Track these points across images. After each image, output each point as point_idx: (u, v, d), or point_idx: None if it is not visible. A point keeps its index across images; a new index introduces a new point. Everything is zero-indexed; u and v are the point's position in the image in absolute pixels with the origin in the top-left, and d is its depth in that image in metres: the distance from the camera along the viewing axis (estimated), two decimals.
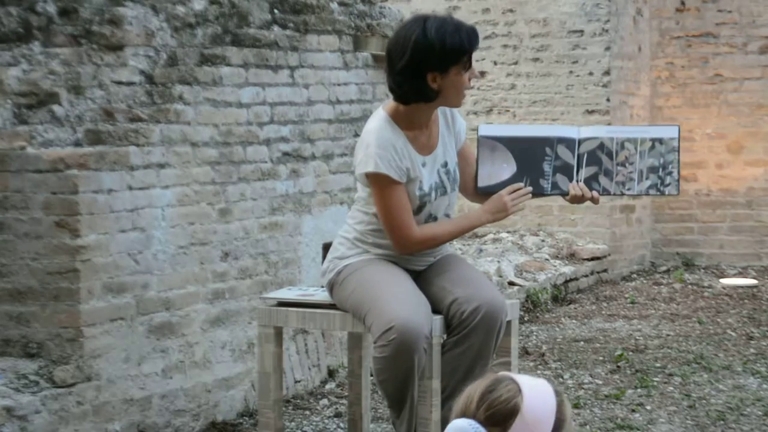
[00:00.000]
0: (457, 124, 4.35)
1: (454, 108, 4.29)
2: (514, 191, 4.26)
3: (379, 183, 4.13)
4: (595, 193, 4.29)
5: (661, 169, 4.31)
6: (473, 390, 2.28)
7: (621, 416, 5.43)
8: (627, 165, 4.30)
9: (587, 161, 4.30)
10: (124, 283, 4.68)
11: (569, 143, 4.30)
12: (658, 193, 4.34)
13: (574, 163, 4.30)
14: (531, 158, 4.28)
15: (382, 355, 4.05)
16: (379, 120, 4.18)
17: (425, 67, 4.08)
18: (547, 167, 4.29)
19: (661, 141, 4.31)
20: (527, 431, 2.24)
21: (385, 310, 4.05)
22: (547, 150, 4.30)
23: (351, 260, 4.26)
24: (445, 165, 4.27)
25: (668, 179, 4.31)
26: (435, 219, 4.25)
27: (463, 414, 2.25)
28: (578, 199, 4.30)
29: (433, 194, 4.22)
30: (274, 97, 5.50)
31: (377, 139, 4.13)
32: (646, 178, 4.30)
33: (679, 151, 4.31)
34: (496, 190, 4.28)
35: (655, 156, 4.30)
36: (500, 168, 4.27)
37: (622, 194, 4.38)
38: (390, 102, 4.23)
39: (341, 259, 4.28)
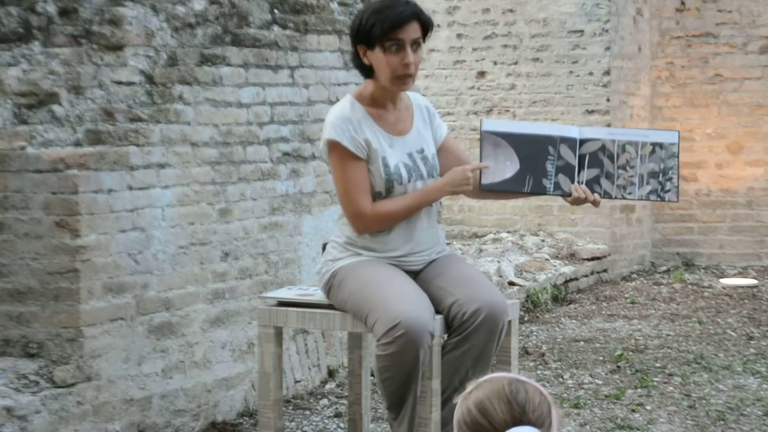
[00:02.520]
0: (436, 121, 4.40)
1: (394, 90, 4.24)
2: (477, 168, 4.25)
3: (335, 154, 4.18)
4: (596, 196, 4.28)
5: (661, 175, 4.30)
6: (486, 401, 2.24)
7: (621, 416, 5.43)
8: (628, 168, 4.29)
9: (589, 163, 4.29)
10: (124, 283, 4.68)
11: (571, 143, 4.29)
12: (658, 198, 4.32)
13: (576, 163, 4.29)
14: (534, 157, 4.26)
15: (386, 352, 4.04)
16: (343, 100, 4.30)
17: (356, 39, 4.20)
18: (549, 167, 4.27)
19: (661, 146, 4.31)
20: (557, 417, 2.25)
21: (390, 308, 4.04)
22: (550, 149, 4.28)
23: (344, 262, 4.25)
24: (422, 151, 4.29)
25: (668, 185, 4.30)
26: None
27: (491, 425, 2.22)
28: (579, 201, 4.28)
29: (404, 174, 4.22)
30: (274, 97, 5.50)
31: (337, 112, 4.22)
32: (647, 183, 4.30)
33: (678, 157, 4.31)
34: (501, 188, 4.28)
35: (656, 161, 4.30)
36: (504, 165, 4.26)
37: (623, 198, 4.36)
38: (359, 86, 4.34)
39: (334, 261, 4.28)
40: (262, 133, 5.42)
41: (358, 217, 4.18)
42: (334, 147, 4.17)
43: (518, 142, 4.27)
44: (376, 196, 4.21)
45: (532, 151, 4.26)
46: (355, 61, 4.24)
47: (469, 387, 2.28)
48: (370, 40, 4.14)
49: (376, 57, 4.15)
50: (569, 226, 9.33)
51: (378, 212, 4.19)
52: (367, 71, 4.22)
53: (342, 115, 4.19)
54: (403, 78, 4.17)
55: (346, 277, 4.22)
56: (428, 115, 4.36)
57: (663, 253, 10.02)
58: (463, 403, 2.26)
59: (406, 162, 4.23)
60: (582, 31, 9.32)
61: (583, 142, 4.29)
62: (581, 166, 4.29)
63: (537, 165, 4.26)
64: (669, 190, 4.31)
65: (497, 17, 9.54)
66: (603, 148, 4.29)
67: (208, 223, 5.11)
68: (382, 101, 4.25)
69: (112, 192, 4.62)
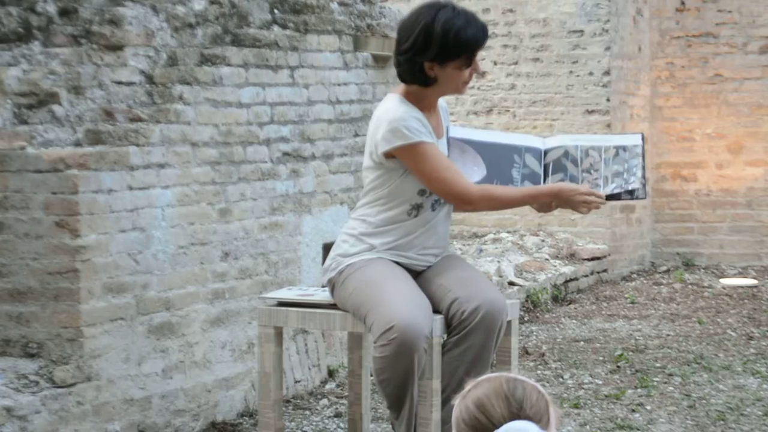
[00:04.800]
0: (448, 118, 4.45)
1: (458, 94, 4.36)
2: (590, 194, 4.22)
3: (415, 152, 4.15)
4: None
5: (625, 173, 4.31)
6: (484, 398, 2.26)
7: (621, 416, 5.43)
8: (592, 171, 4.31)
9: (553, 169, 4.32)
10: (124, 283, 4.68)
11: (535, 153, 4.32)
12: (630, 197, 4.34)
13: (541, 172, 4.31)
14: (500, 164, 4.29)
15: (383, 354, 4.06)
16: (393, 100, 4.25)
17: (424, 56, 4.15)
18: (515, 174, 4.29)
19: (624, 148, 4.33)
20: (555, 415, 2.26)
21: (386, 310, 4.05)
22: (515, 157, 4.30)
23: (354, 259, 4.26)
24: None
25: (632, 179, 4.30)
26: (441, 204, 4.27)
27: (489, 421, 2.24)
28: (545, 208, 4.31)
29: None
30: (274, 97, 5.50)
31: (399, 113, 4.17)
32: (611, 183, 4.31)
33: (644, 157, 4.32)
34: None
35: (619, 162, 4.31)
36: (471, 170, 4.27)
37: None
38: (399, 86, 4.31)
39: (344, 257, 4.28)
40: (262, 133, 5.42)
41: (464, 197, 4.18)
42: (414, 148, 4.15)
43: (483, 150, 4.29)
44: (420, 194, 4.22)
45: (498, 159, 4.29)
46: (417, 75, 4.18)
47: (467, 386, 2.31)
48: (444, 58, 4.15)
49: (447, 72, 4.18)
50: (569, 226, 9.33)
51: (483, 192, 4.21)
52: (427, 82, 4.20)
53: (406, 116, 4.17)
54: (467, 84, 4.27)
55: (350, 275, 4.23)
56: (446, 114, 4.44)
57: (663, 253, 10.02)
58: (462, 402, 2.28)
59: None
60: (582, 31, 9.32)
61: (547, 152, 4.32)
62: (546, 175, 4.31)
63: (503, 171, 4.28)
64: (635, 188, 4.30)
65: (497, 17, 9.54)
66: (566, 153, 4.32)
67: (208, 223, 5.11)
68: (427, 105, 4.27)
69: (112, 192, 4.62)
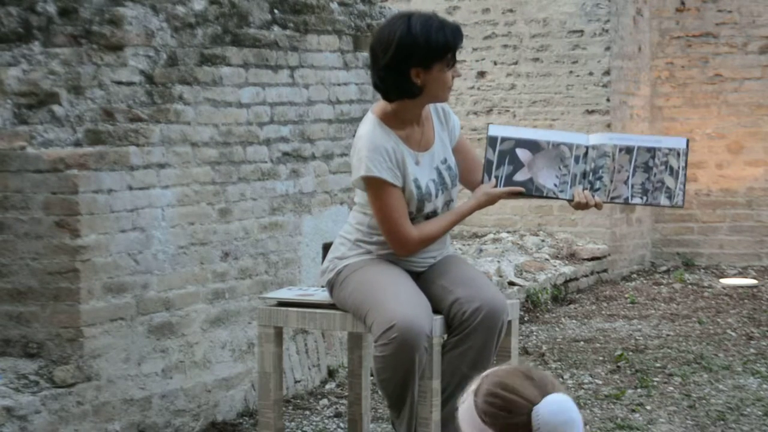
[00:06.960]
0: (451, 121, 4.38)
1: (441, 103, 4.30)
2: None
3: (374, 186, 4.15)
4: (598, 200, 4.29)
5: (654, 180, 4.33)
6: (507, 380, 2.15)
7: (621, 416, 5.43)
8: (623, 172, 4.32)
9: (594, 169, 4.29)
10: (124, 283, 4.68)
11: (577, 150, 4.29)
12: (668, 202, 4.33)
13: (579, 170, 4.29)
14: (538, 161, 4.27)
15: (383, 353, 4.06)
16: (369, 124, 4.20)
17: (408, 63, 4.11)
18: (554, 171, 4.27)
19: (665, 151, 4.33)
20: None
21: (386, 309, 4.05)
22: (555, 154, 4.28)
23: (351, 260, 4.26)
24: (445, 161, 4.29)
25: (677, 190, 4.31)
26: (437, 214, 4.26)
27: (523, 399, 2.16)
28: (582, 206, 4.29)
29: (433, 191, 4.23)
30: (274, 97, 5.50)
31: (368, 143, 4.15)
32: (656, 189, 4.32)
33: (686, 163, 4.31)
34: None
35: (652, 170, 4.32)
36: (508, 169, 4.26)
37: (626, 203, 4.38)
38: (378, 104, 4.26)
39: (341, 259, 4.29)
40: (262, 133, 5.42)
41: (404, 243, 4.20)
42: (374, 181, 4.15)
43: (522, 147, 4.27)
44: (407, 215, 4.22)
45: (537, 156, 4.27)
46: (404, 87, 4.14)
47: (474, 383, 2.20)
48: (429, 61, 4.10)
49: (433, 75, 4.12)
50: (569, 226, 9.33)
51: (422, 236, 4.21)
52: (414, 92, 4.16)
53: (376, 147, 4.14)
54: (450, 89, 4.23)
55: (348, 276, 4.23)
56: (443, 114, 4.36)
57: (663, 253, 10.02)
58: (478, 395, 2.17)
59: (433, 178, 4.24)
60: (582, 31, 9.32)
61: (590, 148, 4.29)
62: (586, 173, 4.29)
63: (541, 169, 4.26)
64: (677, 195, 4.32)
65: (497, 17, 9.54)
66: (608, 154, 4.30)
67: (208, 223, 5.11)
68: (410, 120, 4.23)
69: (112, 192, 4.63)
